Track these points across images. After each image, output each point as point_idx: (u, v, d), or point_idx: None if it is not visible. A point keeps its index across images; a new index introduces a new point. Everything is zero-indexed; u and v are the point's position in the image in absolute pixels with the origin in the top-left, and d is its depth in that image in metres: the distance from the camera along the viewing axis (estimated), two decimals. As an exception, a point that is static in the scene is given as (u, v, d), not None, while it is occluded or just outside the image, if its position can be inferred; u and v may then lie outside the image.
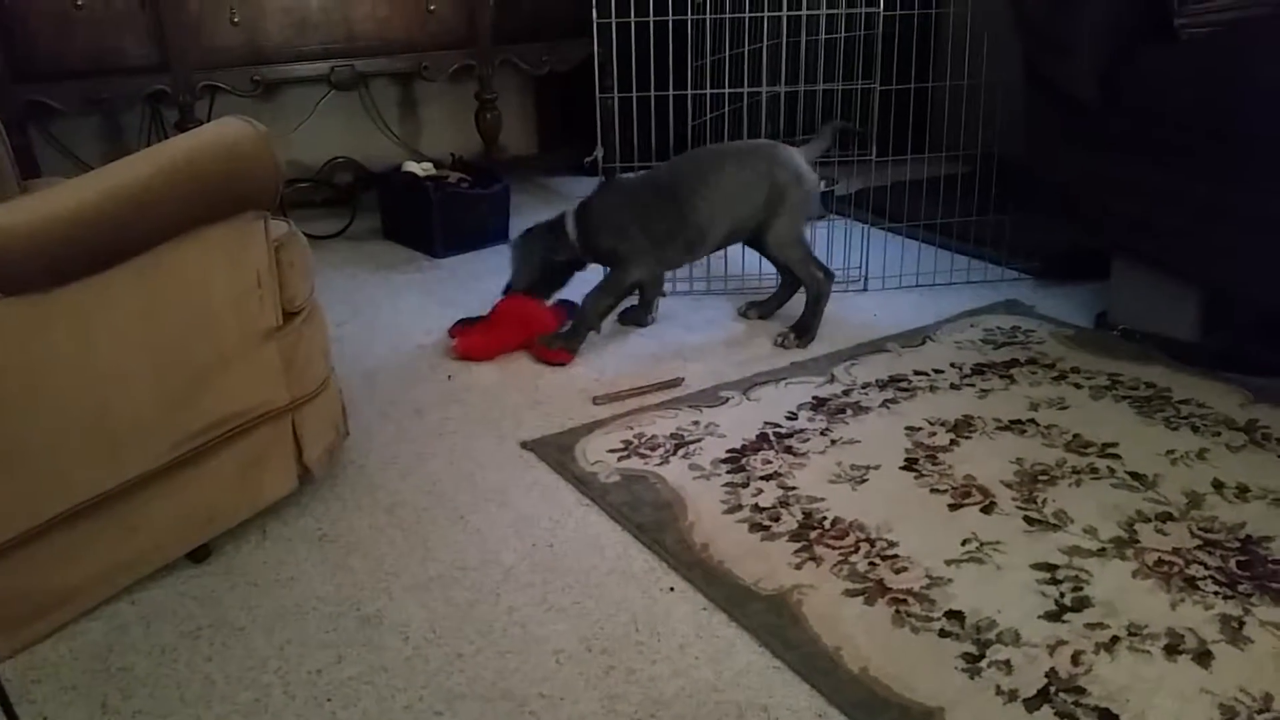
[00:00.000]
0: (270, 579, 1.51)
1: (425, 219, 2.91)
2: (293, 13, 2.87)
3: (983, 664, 1.28)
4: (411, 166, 3.07)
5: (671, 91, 2.53)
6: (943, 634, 1.34)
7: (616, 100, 2.53)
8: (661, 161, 2.38)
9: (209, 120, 2.27)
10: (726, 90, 2.60)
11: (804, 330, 2.28)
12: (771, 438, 1.85)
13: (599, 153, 2.70)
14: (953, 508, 1.62)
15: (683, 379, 2.10)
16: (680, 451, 1.81)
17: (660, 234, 2.20)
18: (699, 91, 2.59)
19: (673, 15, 2.48)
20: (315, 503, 1.70)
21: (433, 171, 3.05)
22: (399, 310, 2.52)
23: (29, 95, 2.64)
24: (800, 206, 2.26)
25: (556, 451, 1.82)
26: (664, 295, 2.44)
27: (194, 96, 2.81)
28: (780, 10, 2.54)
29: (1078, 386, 2.01)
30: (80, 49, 2.65)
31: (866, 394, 2.01)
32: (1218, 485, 1.66)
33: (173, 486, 1.46)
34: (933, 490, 1.67)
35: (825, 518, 1.60)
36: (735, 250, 2.87)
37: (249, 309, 1.50)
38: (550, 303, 2.35)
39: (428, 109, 3.68)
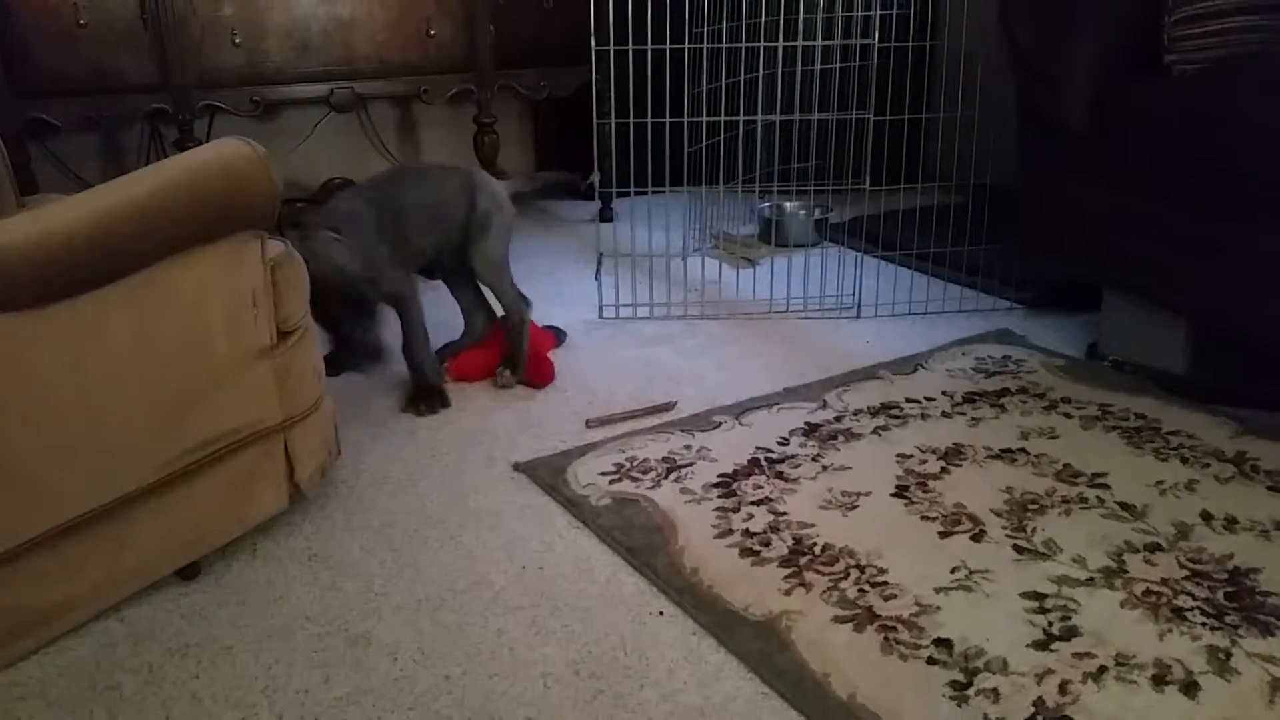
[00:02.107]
0: (259, 598, 1.51)
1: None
2: (294, 35, 2.89)
3: (970, 692, 1.28)
4: (409, 188, 3.08)
5: (668, 119, 2.56)
6: (931, 661, 1.34)
7: (614, 126, 2.55)
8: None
9: (208, 140, 2.29)
10: (723, 118, 2.63)
11: (516, 364, 2.22)
12: (763, 463, 1.85)
13: (595, 177, 2.72)
14: (943, 535, 1.62)
15: (675, 403, 2.11)
16: (672, 475, 1.81)
17: (399, 255, 2.08)
18: (695, 119, 2.62)
19: (670, 44, 2.51)
20: (306, 522, 1.70)
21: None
22: (392, 331, 2.52)
23: (29, 112, 2.65)
24: (504, 232, 2.22)
25: (548, 474, 1.82)
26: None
27: (194, 116, 2.83)
28: (776, 41, 2.57)
29: (1068, 416, 2.02)
30: (81, 67, 2.67)
31: (858, 420, 2.02)
32: (1206, 516, 1.66)
33: (163, 504, 1.46)
34: (923, 517, 1.67)
35: (815, 544, 1.60)
36: (729, 274, 2.90)
37: (243, 328, 1.51)
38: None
39: (426, 131, 3.71)
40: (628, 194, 2.84)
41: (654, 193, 2.79)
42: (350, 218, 2.03)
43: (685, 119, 2.61)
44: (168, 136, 3.10)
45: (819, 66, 2.80)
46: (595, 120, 2.58)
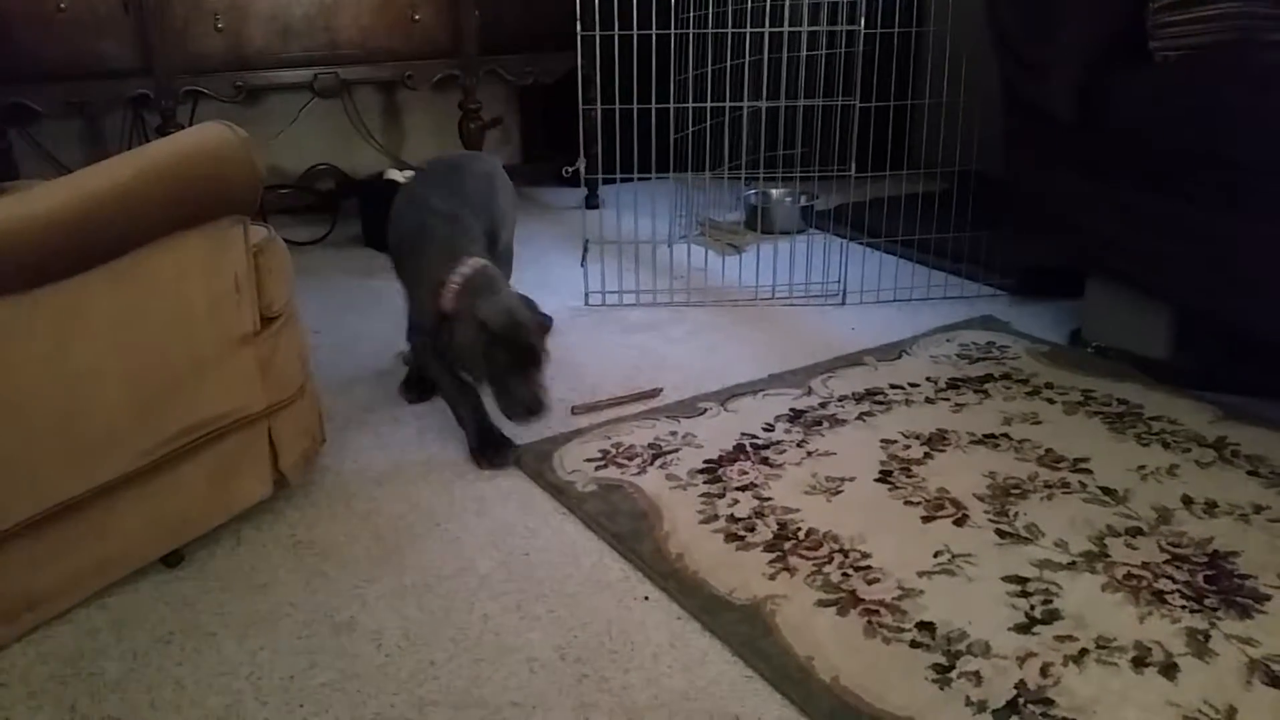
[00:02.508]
0: (244, 585, 1.51)
1: (406, 227, 2.90)
2: (277, 19, 2.87)
3: (953, 675, 1.29)
4: (394, 174, 3.07)
5: (654, 105, 2.55)
6: (914, 645, 1.35)
7: (599, 112, 2.54)
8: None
9: (191, 125, 2.27)
10: (709, 104, 2.62)
11: None
12: (748, 449, 1.86)
13: (581, 164, 2.71)
14: (926, 520, 1.63)
15: (661, 389, 2.11)
16: (657, 461, 1.81)
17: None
18: (681, 105, 2.61)
19: (656, 30, 2.50)
20: (290, 509, 1.69)
21: (415, 180, 3.05)
22: (379, 318, 2.52)
23: (10, 97, 2.63)
24: (514, 221, 2.22)
25: (534, 460, 1.83)
26: None
27: (176, 101, 2.80)
28: (763, 27, 2.56)
29: (1051, 402, 2.04)
30: (62, 52, 2.65)
31: (843, 406, 2.02)
32: (1187, 501, 1.68)
33: (146, 491, 1.45)
34: (906, 502, 1.68)
35: (800, 528, 1.61)
36: (715, 261, 2.90)
37: (226, 314, 1.50)
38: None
39: (411, 117, 3.69)
40: (614, 180, 2.83)
41: (640, 179, 2.79)
42: (473, 230, 1.89)
43: (672, 105, 2.60)
44: (150, 122, 3.08)
45: (805, 53, 2.80)
46: (581, 106, 2.57)
